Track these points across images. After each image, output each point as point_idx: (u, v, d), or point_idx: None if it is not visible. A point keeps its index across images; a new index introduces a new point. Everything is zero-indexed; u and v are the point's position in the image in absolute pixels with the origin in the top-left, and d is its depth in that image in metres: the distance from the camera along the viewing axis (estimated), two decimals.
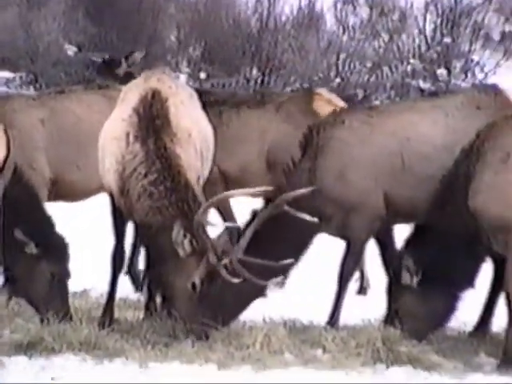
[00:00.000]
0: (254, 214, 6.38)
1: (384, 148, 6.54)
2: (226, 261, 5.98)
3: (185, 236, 5.93)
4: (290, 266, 6.36)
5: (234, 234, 6.18)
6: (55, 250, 6.39)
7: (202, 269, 5.95)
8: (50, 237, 6.39)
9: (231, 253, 6.03)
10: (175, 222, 5.93)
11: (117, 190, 6.25)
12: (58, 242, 6.41)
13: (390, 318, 6.24)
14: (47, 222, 6.45)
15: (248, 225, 6.29)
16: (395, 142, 6.56)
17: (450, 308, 6.20)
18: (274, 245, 6.29)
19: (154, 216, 6.05)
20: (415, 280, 6.14)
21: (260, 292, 6.33)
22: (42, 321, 6.23)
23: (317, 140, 6.57)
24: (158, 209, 6.05)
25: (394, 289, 6.25)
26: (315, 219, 6.22)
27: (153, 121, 6.24)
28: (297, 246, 6.46)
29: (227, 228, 6.21)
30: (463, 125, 6.48)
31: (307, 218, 6.17)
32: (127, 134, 6.24)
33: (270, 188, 6.40)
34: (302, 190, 6.26)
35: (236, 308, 6.29)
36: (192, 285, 6.01)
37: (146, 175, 6.11)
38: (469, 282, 6.20)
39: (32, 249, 6.31)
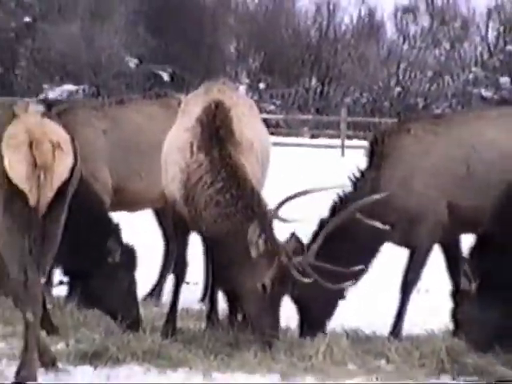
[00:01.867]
0: (322, 224, 6.38)
1: (449, 156, 6.49)
2: (296, 261, 5.98)
3: (260, 236, 5.95)
4: (360, 272, 6.34)
5: (300, 240, 6.18)
6: (129, 258, 6.47)
7: (274, 269, 5.96)
8: (123, 245, 6.48)
9: (303, 257, 6.03)
10: (248, 223, 5.95)
11: (181, 199, 6.29)
12: (129, 249, 6.50)
13: (454, 326, 6.17)
14: (117, 230, 6.54)
15: (316, 234, 6.29)
16: (461, 150, 6.50)
17: (509, 319, 6.10)
18: (344, 251, 6.27)
19: (222, 222, 6.08)
20: (473, 286, 6.06)
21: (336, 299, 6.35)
22: (124, 329, 6.27)
23: (382, 148, 6.55)
24: (226, 215, 6.07)
25: (455, 296, 6.19)
26: (387, 227, 6.21)
27: (216, 131, 6.27)
28: (365, 253, 6.44)
29: (293, 234, 6.21)
30: None
31: (378, 225, 6.16)
32: (191, 144, 6.28)
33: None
34: (375, 197, 6.25)
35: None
36: (262, 286, 6.01)
37: (212, 184, 6.14)
38: None
39: (116, 257, 6.40)
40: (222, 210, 6.08)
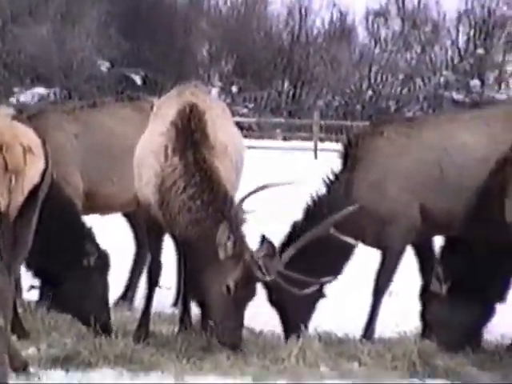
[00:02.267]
0: (295, 227, 6.41)
1: (422, 159, 6.53)
2: (265, 267, 6.00)
3: (228, 238, 5.95)
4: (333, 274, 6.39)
5: (272, 243, 6.20)
6: (103, 262, 6.45)
7: (238, 271, 5.97)
8: (97, 248, 6.46)
9: (272, 264, 6.04)
10: (217, 228, 5.95)
11: (155, 203, 6.28)
12: (103, 254, 6.48)
13: (423, 327, 6.21)
14: (90, 234, 6.52)
15: (289, 237, 6.31)
16: (434, 153, 6.53)
17: (480, 320, 6.15)
18: (314, 259, 6.30)
19: (193, 228, 6.08)
20: (444, 288, 6.11)
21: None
22: (95, 334, 6.25)
23: (355, 151, 6.58)
24: (196, 221, 6.07)
25: (425, 297, 6.22)
26: (358, 242, 6.26)
27: (191, 134, 6.26)
28: (337, 261, 6.47)
29: (264, 237, 6.23)
30: (504, 136, 6.43)
31: (351, 241, 6.21)
32: (165, 148, 6.27)
33: None
34: (350, 209, 6.28)
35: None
36: (226, 287, 6.02)
37: (184, 189, 6.14)
38: (499, 295, 6.15)
39: (92, 261, 6.38)
40: (193, 215, 6.08)
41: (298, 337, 6.16)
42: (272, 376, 5.77)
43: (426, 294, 6.32)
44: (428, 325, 6.28)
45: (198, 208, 6.07)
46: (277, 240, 6.35)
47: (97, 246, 6.48)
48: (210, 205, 6.06)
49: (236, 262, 5.99)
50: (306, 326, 6.42)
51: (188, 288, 6.65)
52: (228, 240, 5.95)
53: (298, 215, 6.61)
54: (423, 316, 6.34)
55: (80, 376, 5.71)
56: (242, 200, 6.13)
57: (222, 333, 6.02)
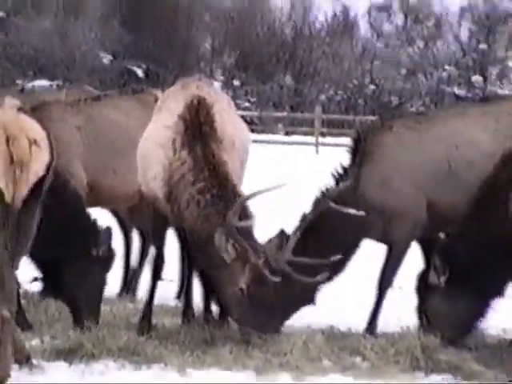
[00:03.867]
0: (304, 219, 6.40)
1: (431, 155, 6.52)
2: (274, 258, 5.98)
3: (227, 240, 5.94)
4: (337, 269, 6.36)
5: (283, 238, 6.19)
6: (110, 255, 6.46)
7: (247, 272, 5.97)
8: (108, 241, 6.46)
9: (280, 254, 6.03)
10: (217, 228, 5.95)
11: (163, 196, 6.27)
12: (111, 247, 6.48)
13: (420, 318, 6.21)
14: (96, 226, 6.52)
15: (297, 229, 6.31)
16: (443, 148, 6.52)
17: (477, 313, 6.16)
18: (321, 249, 6.29)
19: (202, 224, 6.06)
20: (442, 279, 6.11)
21: (309, 298, 6.34)
22: (79, 326, 6.27)
23: (364, 145, 6.57)
24: (205, 216, 6.05)
25: (423, 289, 6.24)
26: (362, 213, 6.22)
27: (200, 128, 6.25)
28: (343, 248, 6.44)
29: (282, 231, 6.22)
30: None
31: (353, 212, 6.19)
32: (173, 141, 6.25)
33: None
34: (345, 184, 6.28)
35: (284, 313, 6.29)
36: (240, 290, 6.02)
37: (193, 183, 6.12)
38: (498, 290, 6.15)
39: (100, 251, 6.38)
40: (201, 210, 6.06)
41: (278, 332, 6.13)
42: (274, 370, 5.77)
43: (423, 286, 6.30)
44: (426, 317, 6.27)
45: (207, 202, 6.06)
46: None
47: (110, 237, 6.49)
48: (220, 200, 6.04)
49: (243, 264, 5.99)
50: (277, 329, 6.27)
51: (203, 286, 6.63)
52: (227, 244, 5.94)
53: (299, 209, 6.59)
54: (420, 308, 6.33)
55: (83, 368, 5.72)
56: (243, 201, 6.07)
57: (244, 331, 6.02)
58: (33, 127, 5.46)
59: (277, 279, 5.97)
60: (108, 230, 6.49)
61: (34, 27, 33.46)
